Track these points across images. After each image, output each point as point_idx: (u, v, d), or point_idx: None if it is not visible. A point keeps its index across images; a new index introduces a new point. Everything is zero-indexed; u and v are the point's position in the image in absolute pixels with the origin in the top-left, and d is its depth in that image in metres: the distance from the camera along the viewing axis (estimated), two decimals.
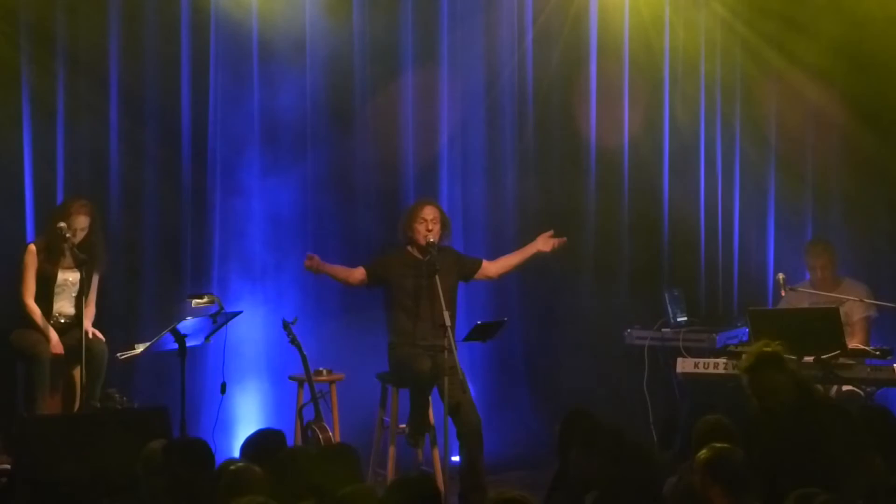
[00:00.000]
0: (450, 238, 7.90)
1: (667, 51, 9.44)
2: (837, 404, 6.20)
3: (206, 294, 7.63)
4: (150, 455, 5.56)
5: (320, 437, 7.49)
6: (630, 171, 9.46)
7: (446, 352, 7.20)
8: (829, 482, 4.93)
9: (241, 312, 7.60)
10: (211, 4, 8.50)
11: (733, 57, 9.47)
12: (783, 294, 8.16)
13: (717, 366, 7.81)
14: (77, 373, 7.40)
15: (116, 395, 7.62)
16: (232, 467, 5.14)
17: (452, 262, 7.80)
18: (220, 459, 5.61)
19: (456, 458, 7.71)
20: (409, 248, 7.75)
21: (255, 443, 5.76)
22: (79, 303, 7.55)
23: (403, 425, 7.65)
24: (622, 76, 9.43)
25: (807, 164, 9.38)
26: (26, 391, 7.54)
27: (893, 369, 7.45)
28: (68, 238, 7.46)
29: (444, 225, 7.76)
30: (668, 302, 8.57)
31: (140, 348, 7.40)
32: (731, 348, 8.01)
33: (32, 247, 7.60)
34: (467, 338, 7.47)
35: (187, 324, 7.16)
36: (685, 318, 8.60)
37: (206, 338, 7.42)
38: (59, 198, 8.00)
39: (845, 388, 7.69)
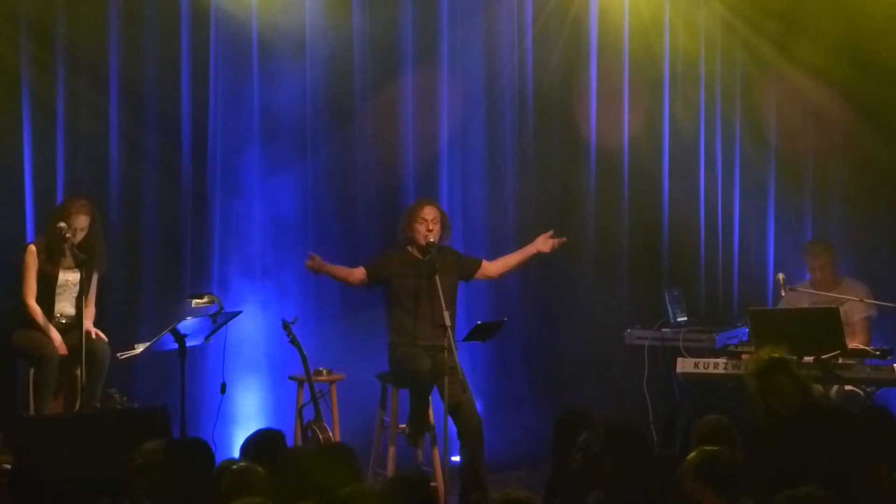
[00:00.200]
0: (450, 238, 7.89)
1: (667, 51, 9.44)
2: (843, 410, 6.23)
3: (206, 294, 7.63)
4: (149, 455, 5.56)
5: (320, 437, 7.49)
6: (630, 171, 9.46)
7: (446, 352, 7.20)
8: (834, 487, 4.92)
9: (241, 312, 7.60)
10: (211, 4, 8.51)
11: (733, 57, 9.47)
12: (783, 294, 8.16)
13: (717, 366, 7.81)
14: (78, 373, 7.39)
15: (116, 395, 7.62)
16: (234, 467, 5.14)
17: (452, 261, 7.80)
18: (219, 459, 5.62)
19: (456, 458, 7.71)
20: (409, 247, 7.75)
21: (255, 443, 5.75)
22: (79, 303, 7.55)
23: (403, 425, 7.65)
24: (622, 76, 9.43)
25: (807, 163, 9.38)
26: (33, 393, 7.52)
27: (893, 369, 7.45)
28: (68, 238, 7.46)
29: (445, 225, 7.76)
30: (668, 302, 8.57)
31: (140, 348, 7.40)
32: (731, 348, 8.02)
33: (33, 247, 7.60)
34: (467, 338, 7.47)
35: (187, 324, 7.16)
36: (685, 318, 8.60)
37: (206, 338, 7.41)
38: (59, 198, 8.00)
39: (845, 388, 7.69)
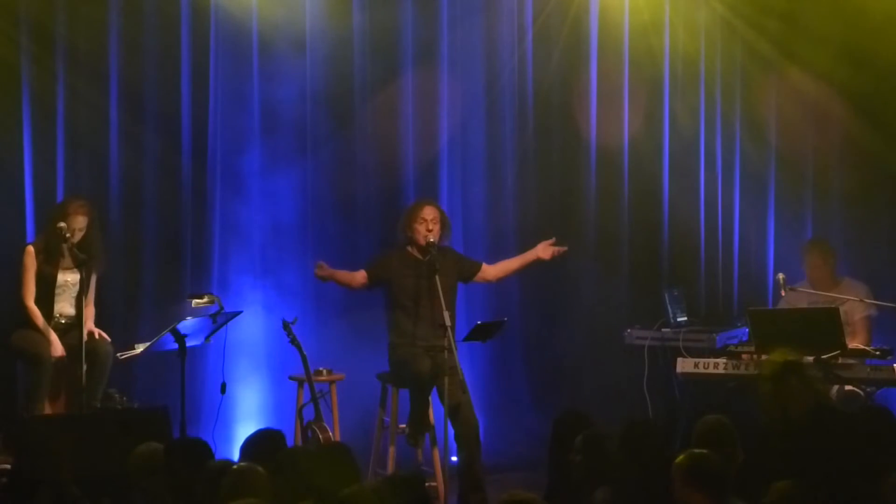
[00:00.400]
0: (450, 238, 7.90)
1: (667, 51, 9.43)
2: (855, 417, 6.13)
3: (206, 294, 7.64)
4: (149, 455, 5.56)
5: (320, 437, 7.48)
6: (630, 171, 9.45)
7: (446, 352, 7.20)
8: (843, 495, 4.91)
9: (241, 312, 7.61)
10: (211, 4, 8.51)
11: (733, 57, 9.46)
12: (783, 294, 8.15)
13: (717, 366, 7.80)
14: (79, 373, 7.38)
15: (116, 395, 7.63)
16: (234, 467, 5.14)
17: (452, 262, 7.80)
18: (219, 459, 5.62)
19: (456, 459, 7.71)
20: (409, 248, 7.75)
21: (255, 443, 5.75)
22: (79, 303, 7.55)
23: (403, 425, 7.65)
24: (622, 76, 9.42)
25: (807, 163, 9.38)
26: (28, 392, 7.54)
27: (893, 369, 7.45)
28: (68, 238, 7.46)
29: (444, 225, 7.76)
30: (668, 302, 8.57)
31: (140, 348, 7.40)
32: (731, 348, 8.01)
33: (31, 248, 7.60)
34: (467, 338, 7.47)
35: (187, 324, 7.16)
36: (685, 318, 8.60)
37: (206, 338, 7.42)
38: (59, 198, 8.00)
39: (845, 388, 7.69)
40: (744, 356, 7.77)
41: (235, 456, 6.14)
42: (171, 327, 7.09)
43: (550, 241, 8.00)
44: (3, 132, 8.02)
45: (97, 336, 7.52)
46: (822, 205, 9.34)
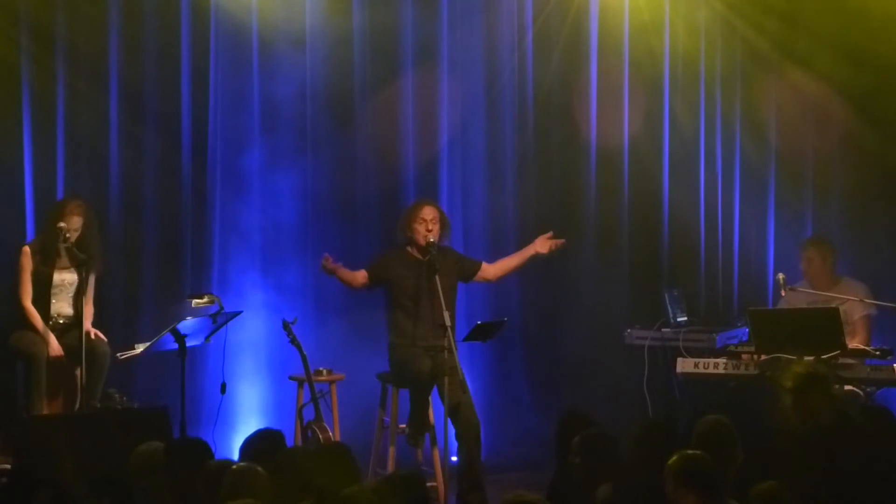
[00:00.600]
0: (449, 238, 7.90)
1: (667, 51, 9.43)
2: (875, 431, 5.89)
3: (206, 294, 7.63)
4: (149, 455, 5.56)
5: (320, 437, 7.49)
6: (630, 171, 9.45)
7: (446, 352, 7.20)
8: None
9: (241, 312, 7.60)
10: (211, 3, 8.51)
11: (733, 57, 9.46)
12: (783, 294, 8.15)
13: (717, 366, 7.80)
14: (78, 373, 7.39)
15: (116, 395, 7.63)
16: (234, 467, 5.14)
17: (452, 262, 7.80)
18: (219, 459, 5.62)
19: (456, 459, 7.71)
20: (408, 248, 7.75)
21: (255, 443, 5.76)
22: (77, 303, 7.55)
23: (403, 425, 7.65)
24: (622, 76, 9.42)
25: (807, 163, 9.37)
26: (25, 391, 7.54)
27: (893, 369, 7.45)
28: (68, 238, 7.46)
29: (444, 225, 7.76)
30: (668, 302, 8.57)
31: (140, 348, 7.40)
32: (731, 348, 8.01)
33: (27, 248, 7.61)
34: (467, 338, 7.47)
35: (187, 324, 7.16)
36: (685, 318, 8.60)
37: (206, 338, 7.42)
38: (60, 198, 8.00)
39: (845, 388, 7.68)
40: (744, 356, 7.77)
41: (235, 456, 6.14)
42: (171, 327, 7.09)
43: (548, 235, 8.01)
44: (3, 132, 8.02)
45: (94, 336, 7.52)
46: (822, 205, 9.34)
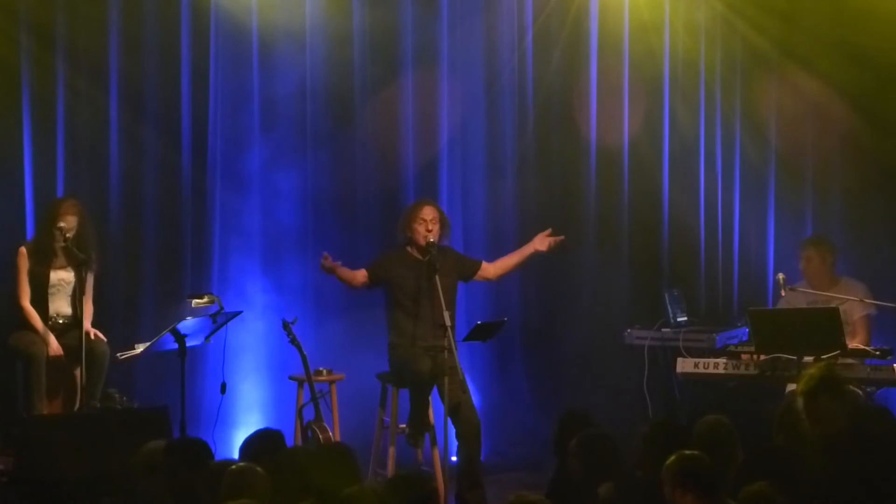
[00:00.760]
0: (449, 238, 7.90)
1: (667, 51, 9.43)
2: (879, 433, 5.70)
3: (206, 294, 7.63)
4: (149, 455, 5.56)
5: (320, 437, 7.49)
6: (630, 171, 9.45)
7: (446, 352, 7.20)
8: None
9: (241, 312, 7.60)
10: (211, 3, 8.51)
11: (733, 56, 9.45)
12: (783, 294, 8.15)
13: (717, 366, 7.79)
14: (77, 373, 7.39)
15: (116, 395, 7.63)
16: (234, 467, 5.14)
17: (452, 262, 7.80)
18: (219, 459, 5.62)
19: (456, 459, 7.71)
20: (408, 248, 7.75)
21: (255, 443, 5.76)
22: (76, 302, 7.55)
23: (403, 425, 7.65)
24: (622, 76, 9.42)
25: (807, 163, 9.37)
26: (25, 392, 7.54)
27: (893, 369, 7.44)
28: (68, 238, 7.47)
29: (444, 225, 7.76)
30: (668, 302, 8.57)
31: (140, 348, 7.40)
32: (731, 348, 8.01)
33: (23, 249, 7.61)
34: (467, 338, 7.48)
35: (187, 324, 7.16)
36: (685, 318, 8.59)
37: (206, 338, 7.42)
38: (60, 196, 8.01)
39: None
40: (744, 356, 7.76)
41: (235, 456, 6.14)
42: (171, 327, 7.09)
43: (547, 232, 8.01)
44: (3, 132, 8.02)
45: (93, 336, 7.52)
46: (823, 204, 9.34)
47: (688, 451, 4.95)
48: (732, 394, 7.81)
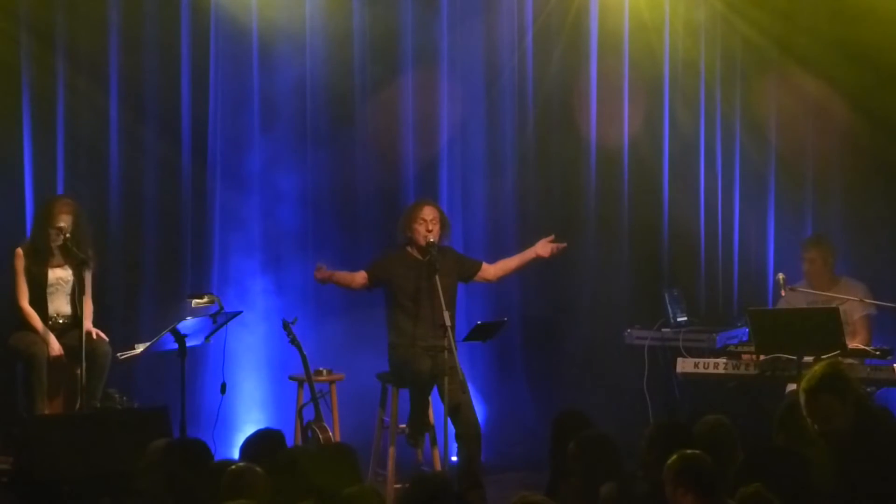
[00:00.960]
0: (449, 238, 7.90)
1: (667, 51, 9.42)
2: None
3: (206, 294, 7.63)
4: (150, 454, 5.56)
5: (320, 437, 7.49)
6: (630, 171, 9.45)
7: (446, 352, 7.20)
8: None
9: (241, 312, 7.60)
10: (211, 3, 8.52)
11: (733, 56, 9.45)
12: (783, 294, 8.15)
13: (717, 366, 7.80)
14: (78, 373, 7.39)
15: (116, 395, 7.63)
16: (233, 467, 5.14)
17: (452, 262, 7.80)
18: (219, 459, 5.62)
19: (456, 459, 7.71)
20: (408, 248, 7.75)
21: (255, 443, 5.76)
22: (76, 302, 7.55)
23: (403, 425, 7.65)
24: (622, 76, 9.42)
25: (807, 163, 9.36)
26: (25, 392, 7.54)
27: (893, 369, 7.45)
28: (67, 238, 7.47)
29: (444, 225, 7.76)
30: (668, 302, 8.56)
31: (140, 348, 7.40)
32: (731, 348, 8.01)
33: (19, 250, 7.61)
34: (467, 338, 7.48)
35: (187, 324, 7.16)
36: (685, 318, 8.59)
37: (206, 338, 7.41)
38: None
39: None
40: (744, 356, 7.76)
41: (235, 456, 6.14)
42: (171, 327, 7.09)
43: (549, 238, 8.00)
44: (3, 132, 8.02)
45: (95, 336, 7.52)
46: (823, 205, 9.33)
47: (689, 451, 4.95)
48: (732, 394, 7.81)
